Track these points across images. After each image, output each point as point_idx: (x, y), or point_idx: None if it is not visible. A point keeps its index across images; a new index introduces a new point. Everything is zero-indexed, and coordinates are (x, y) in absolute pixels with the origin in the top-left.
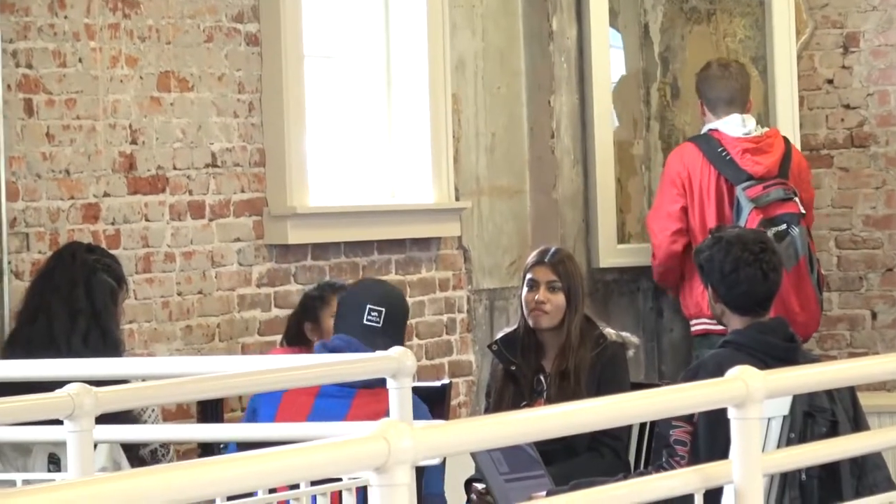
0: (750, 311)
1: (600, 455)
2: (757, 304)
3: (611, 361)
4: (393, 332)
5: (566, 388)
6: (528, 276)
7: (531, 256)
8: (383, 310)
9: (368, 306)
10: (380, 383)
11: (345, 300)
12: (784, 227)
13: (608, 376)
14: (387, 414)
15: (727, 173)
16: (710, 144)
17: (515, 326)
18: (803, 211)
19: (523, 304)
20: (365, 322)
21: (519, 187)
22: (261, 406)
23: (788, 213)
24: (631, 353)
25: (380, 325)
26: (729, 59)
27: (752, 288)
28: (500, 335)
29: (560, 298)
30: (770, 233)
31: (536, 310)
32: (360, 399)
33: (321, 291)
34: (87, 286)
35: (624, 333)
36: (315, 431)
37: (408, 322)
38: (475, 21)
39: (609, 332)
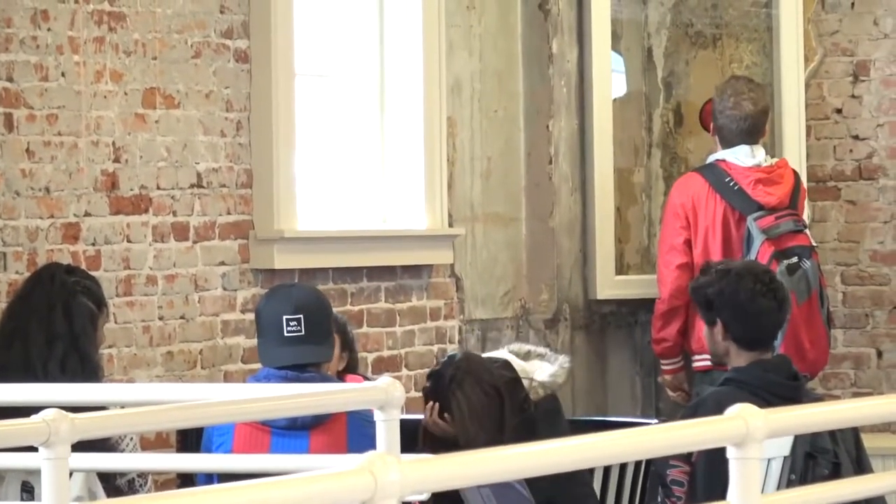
0: (759, 345)
1: None
2: (769, 337)
3: (544, 421)
4: (318, 335)
5: None
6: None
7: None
8: (301, 316)
9: (285, 318)
10: (326, 419)
11: (261, 315)
12: (796, 259)
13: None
14: (345, 449)
15: (736, 204)
16: (716, 174)
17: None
18: (814, 244)
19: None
20: (286, 334)
21: (514, 214)
22: (214, 442)
23: (800, 245)
24: (560, 382)
25: (302, 333)
26: (748, 83)
27: (770, 319)
28: None
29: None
30: (782, 265)
31: None
32: (317, 436)
33: None
34: (65, 309)
35: (549, 371)
36: (305, 464)
37: (332, 314)
38: (472, 42)
39: (535, 386)
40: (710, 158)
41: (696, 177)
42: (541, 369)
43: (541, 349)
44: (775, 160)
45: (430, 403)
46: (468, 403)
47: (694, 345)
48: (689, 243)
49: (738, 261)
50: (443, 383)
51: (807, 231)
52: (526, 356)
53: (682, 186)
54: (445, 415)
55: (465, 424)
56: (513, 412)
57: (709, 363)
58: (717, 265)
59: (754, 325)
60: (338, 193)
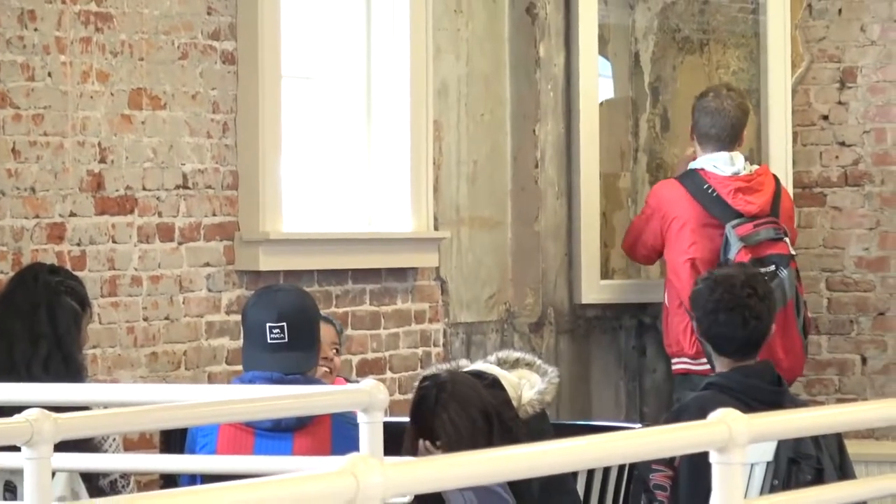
0: (732, 354)
1: None
2: (738, 350)
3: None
4: (303, 342)
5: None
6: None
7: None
8: (284, 324)
9: (268, 325)
10: (309, 420)
11: (246, 318)
12: (773, 268)
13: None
14: (329, 451)
15: (714, 211)
16: (695, 182)
17: None
18: (793, 252)
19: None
20: (269, 341)
21: (500, 218)
22: (198, 443)
23: (778, 254)
24: (548, 399)
25: (286, 341)
26: (729, 89)
27: (732, 332)
28: None
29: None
30: None
31: None
32: (300, 438)
33: None
34: (49, 309)
35: (537, 388)
36: (288, 465)
37: (318, 320)
38: (460, 45)
39: (524, 405)
40: (690, 166)
41: (674, 183)
42: (529, 383)
43: (529, 357)
44: (755, 168)
45: (421, 442)
46: (454, 428)
47: (673, 347)
48: (659, 247)
49: (733, 268)
50: (428, 405)
51: (786, 239)
52: (514, 364)
53: (658, 192)
54: (437, 442)
55: (452, 449)
56: (501, 435)
57: (686, 367)
58: (718, 268)
59: (717, 333)
60: (323, 195)
